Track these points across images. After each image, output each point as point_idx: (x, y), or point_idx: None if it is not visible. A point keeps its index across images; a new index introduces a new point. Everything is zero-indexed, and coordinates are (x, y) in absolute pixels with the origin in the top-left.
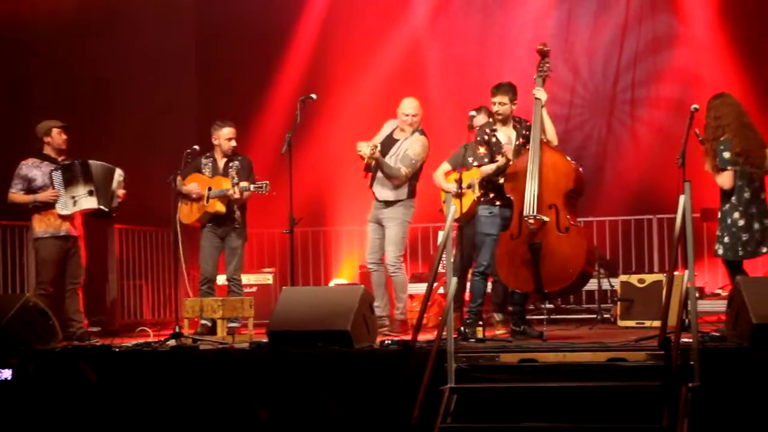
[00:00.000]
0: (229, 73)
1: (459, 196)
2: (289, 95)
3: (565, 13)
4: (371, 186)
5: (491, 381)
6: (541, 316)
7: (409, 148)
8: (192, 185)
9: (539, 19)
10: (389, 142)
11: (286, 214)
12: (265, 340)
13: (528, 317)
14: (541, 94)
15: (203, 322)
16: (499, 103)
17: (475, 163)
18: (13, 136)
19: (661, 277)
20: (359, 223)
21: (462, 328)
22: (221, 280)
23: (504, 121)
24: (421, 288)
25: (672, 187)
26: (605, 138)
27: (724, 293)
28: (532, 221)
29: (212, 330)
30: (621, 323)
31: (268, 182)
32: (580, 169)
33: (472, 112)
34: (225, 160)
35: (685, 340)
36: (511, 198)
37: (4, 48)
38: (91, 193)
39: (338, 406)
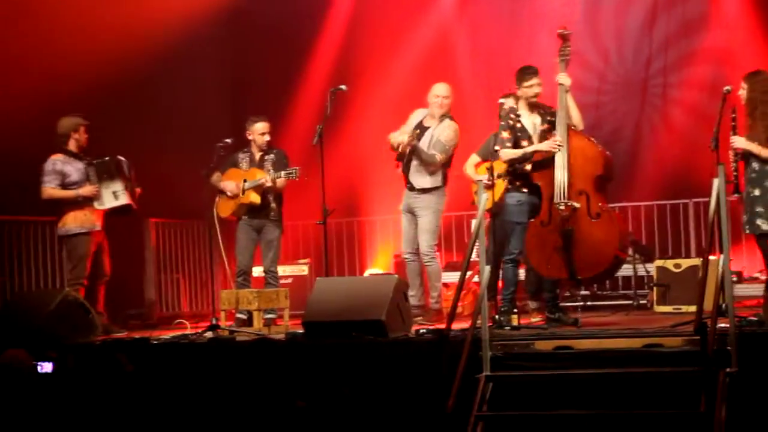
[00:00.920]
0: (261, 65)
1: (491, 186)
2: (319, 87)
3: None
4: (404, 172)
5: (526, 369)
6: (576, 303)
7: (441, 134)
8: (228, 183)
9: (567, 4)
10: (421, 130)
11: (319, 206)
12: (300, 330)
13: (563, 304)
14: (564, 79)
15: (239, 315)
16: (537, 84)
17: (497, 147)
18: (41, 133)
19: (698, 261)
20: (393, 212)
21: (497, 316)
22: (257, 272)
23: (532, 107)
24: (455, 277)
25: (708, 171)
26: (638, 123)
27: (763, 277)
28: (562, 208)
29: (249, 322)
30: (657, 309)
31: (298, 168)
32: (608, 153)
33: (502, 100)
34: (261, 153)
35: (722, 325)
36: (539, 185)
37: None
38: (126, 188)
39: (359, 398)
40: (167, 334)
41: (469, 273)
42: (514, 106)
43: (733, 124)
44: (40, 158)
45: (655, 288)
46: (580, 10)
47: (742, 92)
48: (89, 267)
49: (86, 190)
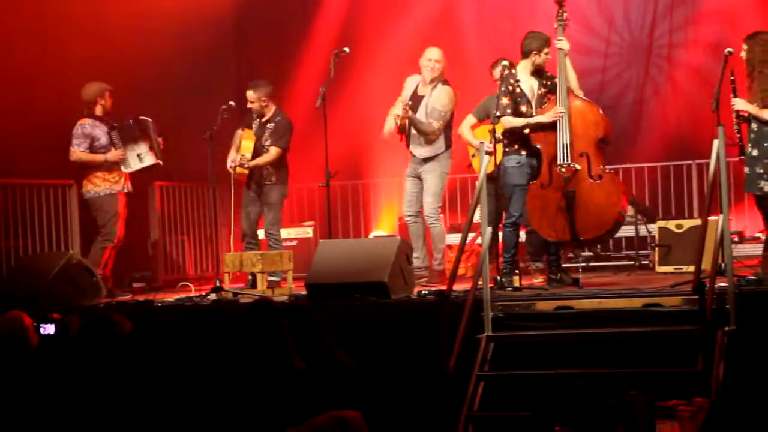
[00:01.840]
0: (265, 28)
1: (492, 151)
2: (322, 49)
3: None
4: (408, 146)
5: (527, 329)
6: (578, 264)
7: (436, 101)
8: (231, 154)
9: None
10: (416, 100)
11: (323, 168)
12: (304, 292)
13: (565, 265)
14: (563, 44)
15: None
16: (548, 53)
17: (498, 113)
18: (50, 96)
19: (699, 222)
20: (397, 175)
21: (498, 277)
22: (262, 234)
23: (532, 72)
24: (459, 238)
25: (710, 132)
26: (643, 85)
27: (765, 236)
28: (564, 170)
29: (252, 284)
30: (659, 269)
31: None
32: (606, 117)
33: (505, 62)
34: (263, 119)
35: (722, 284)
36: (539, 147)
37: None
38: (150, 148)
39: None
40: (171, 297)
41: (472, 235)
42: (513, 72)
43: (733, 86)
44: (48, 121)
45: (656, 248)
46: None
47: (743, 54)
48: (122, 226)
49: (113, 155)
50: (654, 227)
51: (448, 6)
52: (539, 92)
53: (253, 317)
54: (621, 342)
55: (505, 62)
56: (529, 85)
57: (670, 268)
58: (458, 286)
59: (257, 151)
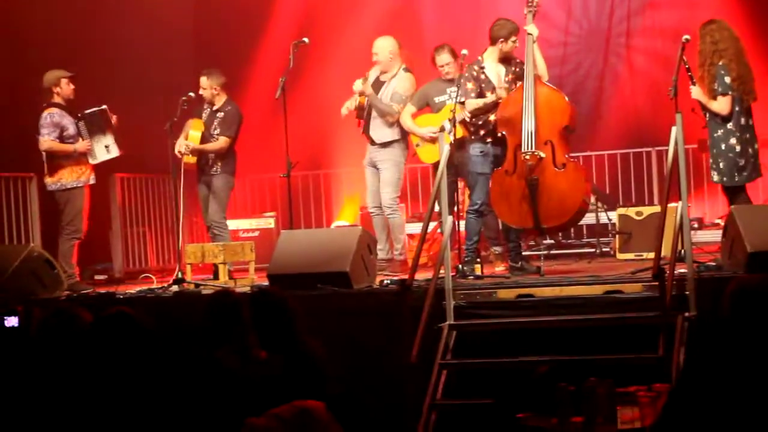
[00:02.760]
0: (224, 19)
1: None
2: (282, 40)
3: None
4: (365, 132)
5: (489, 317)
6: (540, 252)
7: (397, 85)
8: (179, 141)
9: None
10: (377, 86)
11: (283, 159)
12: (266, 283)
13: (527, 253)
14: (533, 29)
15: None
16: (513, 41)
17: (462, 99)
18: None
19: (659, 209)
20: (358, 165)
21: (460, 266)
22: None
23: (500, 59)
24: (420, 228)
25: (670, 119)
26: (602, 73)
27: (724, 223)
28: (528, 157)
29: (215, 275)
30: (620, 256)
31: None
32: (573, 105)
33: (464, 51)
34: (213, 108)
35: (682, 270)
36: (503, 134)
37: None
38: (116, 140)
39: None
40: (133, 289)
41: (434, 224)
42: (480, 58)
43: (689, 74)
44: (6, 112)
45: (617, 236)
46: None
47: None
48: (85, 220)
49: (81, 145)
50: (614, 214)
51: None
52: (507, 78)
53: (213, 308)
54: (582, 329)
55: (465, 51)
56: (495, 71)
57: (630, 255)
58: (420, 275)
59: (205, 140)
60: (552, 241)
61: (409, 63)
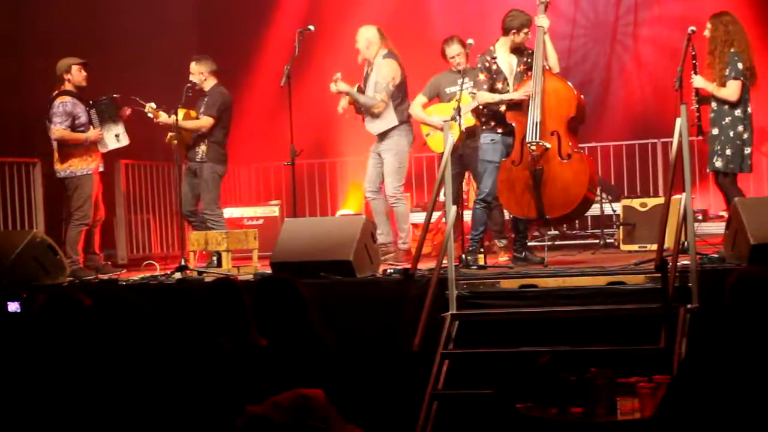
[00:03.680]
0: (229, 6)
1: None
2: (287, 28)
3: None
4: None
5: (492, 307)
6: (544, 242)
7: (378, 74)
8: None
9: None
10: (365, 79)
11: (288, 147)
12: (269, 271)
13: (531, 243)
14: (543, 21)
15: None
16: (525, 33)
17: (474, 90)
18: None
19: (663, 200)
20: (363, 153)
21: (463, 256)
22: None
23: (513, 50)
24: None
25: (675, 111)
26: (609, 63)
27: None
28: (534, 147)
29: (218, 263)
30: (624, 247)
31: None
32: (582, 96)
33: (470, 41)
34: (201, 95)
35: (685, 262)
36: (513, 125)
37: None
38: (126, 129)
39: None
40: (136, 276)
41: (438, 214)
42: (491, 48)
43: (694, 62)
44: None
45: (621, 227)
46: None
47: (707, 32)
48: (93, 207)
49: (93, 134)
50: (618, 206)
51: None
52: (518, 69)
53: (214, 295)
54: (584, 320)
55: (470, 41)
56: (507, 62)
57: (634, 247)
58: (423, 265)
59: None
60: (556, 232)
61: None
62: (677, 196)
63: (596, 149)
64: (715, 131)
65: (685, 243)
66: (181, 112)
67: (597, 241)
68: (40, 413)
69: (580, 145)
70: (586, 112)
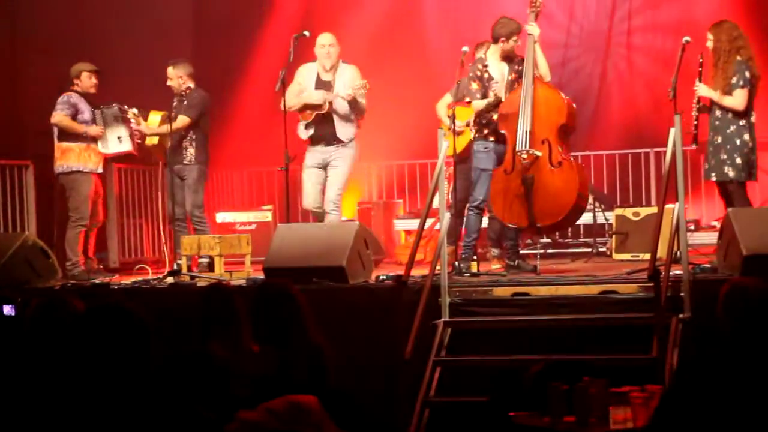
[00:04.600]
0: (224, 10)
1: (460, 132)
2: (282, 33)
3: None
4: (317, 135)
5: (484, 315)
6: (537, 251)
7: (352, 80)
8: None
9: None
10: (324, 86)
11: (282, 152)
12: (262, 276)
13: (524, 252)
14: (534, 29)
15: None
16: (514, 41)
17: (467, 99)
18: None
19: (656, 210)
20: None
21: (457, 263)
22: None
23: (503, 57)
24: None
25: (669, 120)
26: (603, 73)
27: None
28: (525, 156)
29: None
30: (616, 256)
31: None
32: (573, 104)
33: (465, 48)
34: (179, 98)
35: (677, 272)
36: (505, 133)
37: None
38: (130, 135)
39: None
40: (128, 279)
41: (432, 220)
42: (482, 56)
43: (700, 69)
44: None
45: (614, 236)
46: None
47: (709, 43)
48: (90, 208)
49: (94, 129)
50: (611, 215)
51: None
52: (510, 78)
53: (206, 301)
54: (577, 329)
55: (465, 48)
56: (499, 70)
57: (626, 256)
58: (416, 272)
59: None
60: (549, 241)
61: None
62: (670, 206)
63: (589, 158)
64: (720, 140)
65: (678, 253)
66: (157, 114)
67: (589, 249)
68: (32, 416)
69: (574, 154)
70: (577, 120)
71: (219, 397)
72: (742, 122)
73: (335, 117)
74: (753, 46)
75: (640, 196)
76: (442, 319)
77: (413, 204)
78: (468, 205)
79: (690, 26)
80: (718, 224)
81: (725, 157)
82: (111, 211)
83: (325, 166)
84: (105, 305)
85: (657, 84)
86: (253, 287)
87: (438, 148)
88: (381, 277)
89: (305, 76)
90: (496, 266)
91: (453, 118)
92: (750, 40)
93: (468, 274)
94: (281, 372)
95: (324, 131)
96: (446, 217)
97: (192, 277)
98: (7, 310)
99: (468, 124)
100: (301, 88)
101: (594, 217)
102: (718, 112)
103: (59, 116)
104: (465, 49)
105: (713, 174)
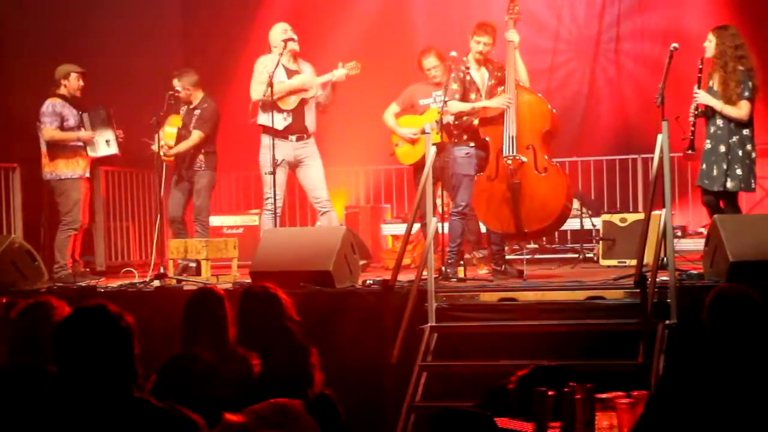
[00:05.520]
0: (212, 12)
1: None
2: None
3: None
4: (293, 125)
5: (471, 320)
6: (524, 256)
7: (310, 70)
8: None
9: None
10: (291, 74)
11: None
12: (248, 280)
13: (510, 257)
14: (513, 36)
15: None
16: (485, 44)
17: (446, 98)
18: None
19: (643, 216)
20: (344, 164)
21: (443, 268)
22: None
23: (480, 62)
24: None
25: (657, 127)
26: (591, 78)
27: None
28: (510, 162)
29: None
30: (603, 262)
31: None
32: (554, 110)
33: (453, 53)
34: (189, 106)
35: (664, 278)
36: (486, 139)
37: None
38: (117, 137)
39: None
40: (114, 282)
41: (418, 226)
42: (465, 59)
43: (699, 76)
44: None
45: (601, 242)
46: None
47: (709, 44)
48: (82, 211)
49: (85, 134)
50: (598, 220)
51: None
52: (490, 83)
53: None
54: (563, 334)
55: (453, 53)
56: (479, 75)
57: (613, 262)
58: (403, 277)
59: (181, 137)
60: (535, 246)
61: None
62: (657, 212)
63: (577, 164)
64: (723, 149)
65: (665, 259)
66: (173, 127)
67: (576, 255)
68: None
69: (562, 160)
70: (560, 126)
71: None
72: (745, 131)
73: (306, 108)
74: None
75: (628, 202)
76: (429, 324)
77: (400, 209)
78: (451, 211)
79: (678, 33)
80: (704, 231)
81: (726, 167)
82: (98, 214)
83: (293, 164)
84: (90, 306)
85: (645, 90)
86: (239, 291)
87: (393, 155)
88: (368, 282)
89: (269, 66)
90: (482, 271)
91: (441, 122)
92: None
93: (455, 279)
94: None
95: (299, 122)
96: (434, 221)
97: (178, 281)
98: None
99: (423, 131)
100: (270, 77)
101: (581, 222)
102: (719, 121)
103: (50, 132)
104: (453, 54)
105: (706, 180)
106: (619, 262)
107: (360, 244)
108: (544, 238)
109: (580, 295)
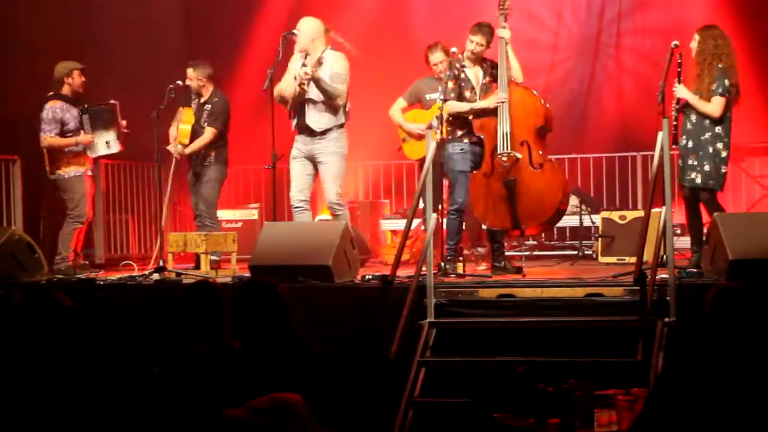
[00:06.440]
0: (213, 8)
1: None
2: (271, 31)
3: None
4: (298, 123)
5: (470, 316)
6: (523, 253)
7: (334, 64)
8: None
9: None
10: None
11: (269, 151)
12: (247, 274)
13: (509, 253)
14: (505, 32)
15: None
16: (478, 44)
17: (442, 97)
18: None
19: (642, 213)
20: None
21: (442, 264)
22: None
23: (475, 60)
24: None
25: (657, 124)
26: (591, 76)
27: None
28: (505, 158)
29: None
30: (602, 259)
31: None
32: (548, 105)
33: (454, 49)
34: (201, 99)
35: (663, 275)
36: (481, 136)
37: None
38: (118, 136)
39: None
40: (114, 275)
41: (418, 221)
42: (460, 57)
43: (679, 70)
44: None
45: (600, 239)
46: None
47: (693, 44)
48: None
49: (84, 138)
50: (598, 217)
51: None
52: (484, 81)
53: (191, 298)
54: (562, 331)
55: (454, 49)
56: (474, 72)
57: (612, 259)
58: (402, 272)
59: (195, 133)
60: (534, 242)
61: (337, 46)
62: (657, 210)
63: (576, 161)
64: (691, 144)
65: (664, 257)
66: (187, 125)
67: (575, 252)
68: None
69: (561, 156)
70: (553, 122)
71: (202, 394)
72: (718, 129)
73: (307, 105)
74: (742, 50)
75: (627, 200)
76: (428, 320)
77: (399, 204)
78: (448, 208)
79: (679, 30)
80: (704, 228)
81: (694, 162)
82: (97, 207)
83: (310, 158)
84: (94, 299)
85: (646, 87)
86: (238, 285)
87: (401, 151)
88: (367, 277)
89: (293, 64)
90: (481, 267)
91: (441, 117)
92: (738, 45)
93: (453, 275)
94: (265, 370)
95: (302, 121)
96: (433, 217)
97: (178, 274)
98: None
99: (430, 126)
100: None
101: (580, 219)
102: (693, 117)
103: (48, 139)
104: (454, 50)
105: (682, 177)
106: (618, 260)
107: (359, 240)
108: (542, 235)
109: (579, 292)
